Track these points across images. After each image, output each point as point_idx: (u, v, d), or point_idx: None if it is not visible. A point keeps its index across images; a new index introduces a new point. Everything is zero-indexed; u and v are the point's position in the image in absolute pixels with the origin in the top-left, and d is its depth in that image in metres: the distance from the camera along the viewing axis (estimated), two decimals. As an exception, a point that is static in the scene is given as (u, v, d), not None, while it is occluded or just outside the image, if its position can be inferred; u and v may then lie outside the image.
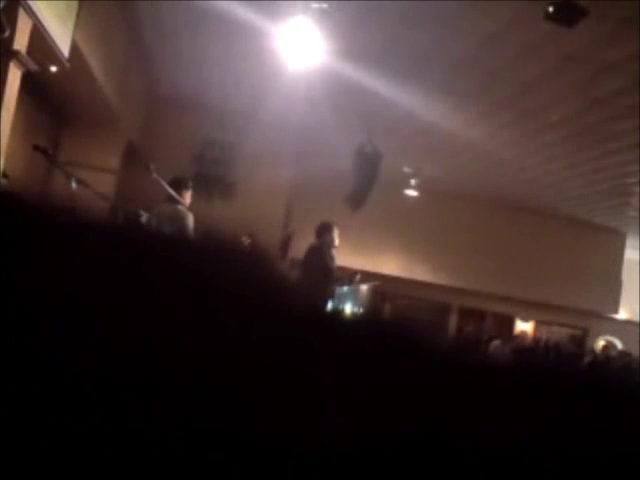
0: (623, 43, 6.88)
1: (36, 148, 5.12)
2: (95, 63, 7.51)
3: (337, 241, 6.51)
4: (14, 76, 5.33)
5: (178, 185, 5.83)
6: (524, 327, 16.28)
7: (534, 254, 15.13)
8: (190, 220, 5.67)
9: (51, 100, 8.57)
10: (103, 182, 7.91)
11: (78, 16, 6.33)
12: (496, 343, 10.07)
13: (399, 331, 0.55)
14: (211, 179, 11.66)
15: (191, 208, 6.08)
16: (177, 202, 5.74)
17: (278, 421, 0.46)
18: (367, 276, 13.09)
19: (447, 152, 11.91)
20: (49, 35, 5.68)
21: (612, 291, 15.68)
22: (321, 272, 6.12)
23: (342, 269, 12.25)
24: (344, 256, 12.96)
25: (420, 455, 0.47)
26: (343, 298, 10.81)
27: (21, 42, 5.23)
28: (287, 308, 0.52)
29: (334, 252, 6.55)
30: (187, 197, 5.92)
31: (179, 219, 5.61)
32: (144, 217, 5.52)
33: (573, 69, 7.75)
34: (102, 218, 0.60)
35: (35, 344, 0.45)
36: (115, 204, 7.11)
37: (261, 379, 0.47)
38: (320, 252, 6.31)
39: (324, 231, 6.49)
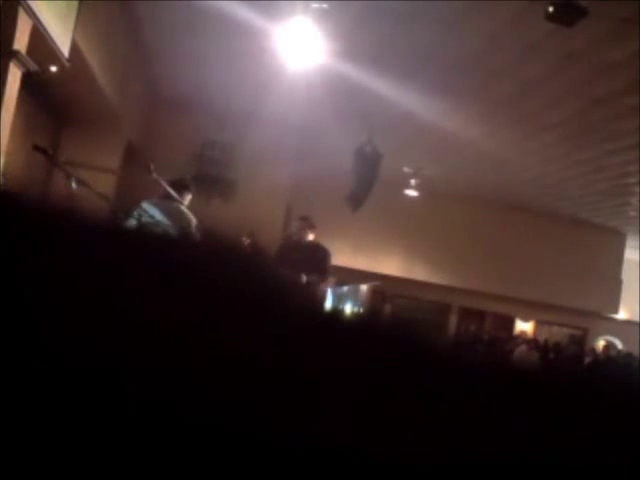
0: (623, 43, 6.88)
1: (36, 148, 5.11)
2: (95, 63, 7.51)
3: (309, 236, 6.40)
4: (14, 76, 5.33)
5: (179, 187, 5.66)
6: (524, 327, 16.29)
7: (534, 254, 15.14)
8: (194, 221, 5.53)
9: (51, 100, 8.57)
10: (103, 182, 7.90)
11: (78, 16, 6.33)
12: (522, 348, 9.96)
13: (399, 331, 0.55)
14: (211, 179, 11.66)
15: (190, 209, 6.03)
16: (177, 200, 5.56)
17: (276, 421, 0.46)
18: (367, 276, 13.13)
19: (447, 152, 11.91)
20: (49, 35, 5.67)
21: (612, 291, 15.68)
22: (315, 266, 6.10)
23: (342, 269, 12.24)
24: (344, 256, 13.03)
25: (420, 456, 0.47)
26: (343, 298, 10.83)
27: (21, 42, 5.22)
28: (287, 308, 0.52)
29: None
30: (186, 200, 5.76)
31: (185, 220, 5.45)
32: (136, 213, 5.14)
33: (573, 69, 7.75)
34: (102, 218, 0.60)
35: (35, 344, 0.45)
36: (116, 205, 7.03)
37: (260, 379, 0.47)
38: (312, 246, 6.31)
39: (310, 226, 6.47)
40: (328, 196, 12.09)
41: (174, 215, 5.36)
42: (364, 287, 11.82)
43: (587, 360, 12.81)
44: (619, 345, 16.36)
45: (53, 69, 6.59)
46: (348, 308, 10.36)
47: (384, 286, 13.50)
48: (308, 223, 6.42)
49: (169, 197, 5.51)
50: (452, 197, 14.74)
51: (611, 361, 11.75)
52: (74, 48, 6.42)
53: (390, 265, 14.80)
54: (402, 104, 9.38)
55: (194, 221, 5.50)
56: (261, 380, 0.47)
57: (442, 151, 11.89)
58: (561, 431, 0.50)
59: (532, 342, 11.96)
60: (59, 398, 0.44)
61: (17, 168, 6.83)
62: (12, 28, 5.04)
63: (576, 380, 0.57)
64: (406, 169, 13.09)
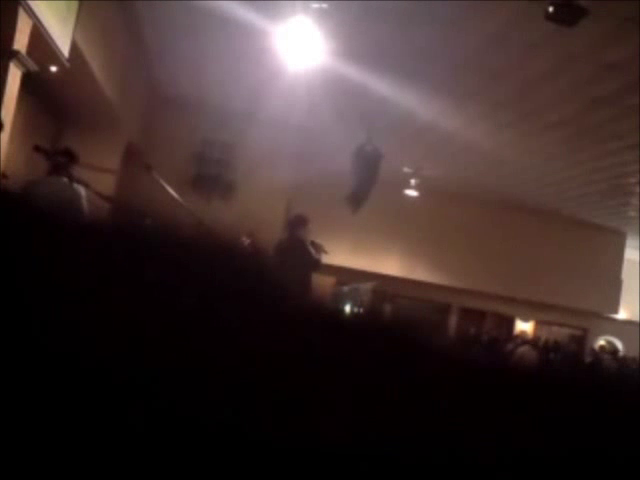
0: (623, 43, 6.88)
1: (36, 148, 5.10)
2: (95, 63, 7.51)
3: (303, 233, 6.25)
4: (14, 76, 5.33)
5: (64, 157, 4.87)
6: (524, 327, 16.29)
7: (534, 254, 15.14)
8: (83, 198, 4.81)
9: (51, 100, 8.57)
10: (103, 182, 7.90)
11: (78, 16, 6.33)
12: (524, 349, 9.88)
13: (399, 331, 0.55)
14: (211, 179, 11.66)
15: (191, 209, 5.99)
16: (66, 174, 4.78)
17: (276, 420, 0.46)
18: (367, 276, 13.14)
19: (447, 152, 11.92)
20: (49, 35, 5.67)
21: (612, 291, 15.69)
22: (308, 265, 5.97)
23: (342, 269, 12.22)
24: (344, 256, 13.04)
25: (420, 456, 0.47)
26: (343, 298, 10.81)
27: (21, 42, 5.22)
28: (287, 308, 0.52)
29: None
30: (75, 170, 4.94)
31: (69, 193, 4.70)
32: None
33: (573, 69, 7.75)
34: (102, 218, 0.60)
35: (35, 344, 0.45)
36: (118, 205, 6.86)
37: (260, 379, 0.47)
38: (304, 245, 6.14)
39: (302, 224, 6.27)
40: (328, 196, 12.09)
41: (57, 191, 4.73)
42: (364, 287, 11.82)
43: (588, 360, 12.82)
44: (619, 345, 16.37)
45: (53, 69, 6.59)
46: (348, 308, 10.35)
47: (384, 286, 13.50)
48: (301, 220, 6.33)
49: (56, 172, 4.88)
50: (452, 197, 14.74)
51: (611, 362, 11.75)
52: (74, 48, 6.42)
53: (390, 265, 14.80)
54: (402, 104, 9.38)
55: (83, 193, 4.90)
56: (260, 379, 0.47)
57: (442, 151, 11.89)
58: (560, 430, 0.50)
59: (532, 342, 11.97)
60: (59, 399, 0.44)
61: (17, 168, 6.82)
62: (12, 28, 5.04)
63: (574, 380, 0.57)
64: (406, 169, 13.09)
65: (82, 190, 4.85)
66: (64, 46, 6.13)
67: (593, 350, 14.21)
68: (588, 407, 0.52)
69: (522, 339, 12.46)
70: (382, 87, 8.89)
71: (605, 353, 13.07)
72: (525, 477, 0.48)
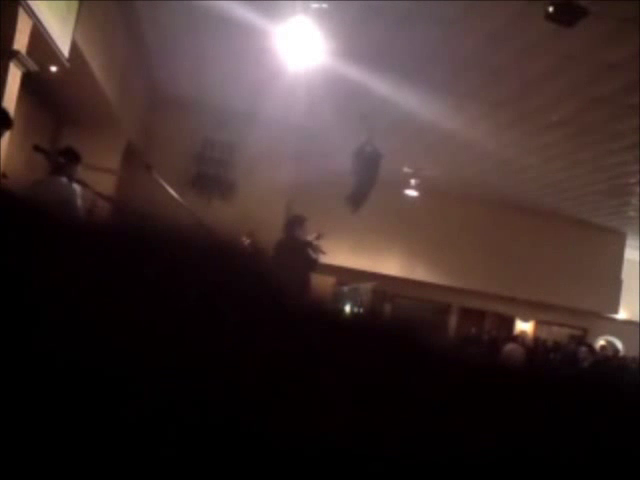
0: (623, 43, 6.88)
1: (36, 148, 5.10)
2: (95, 63, 7.51)
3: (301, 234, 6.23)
4: (14, 76, 5.33)
5: (66, 157, 4.86)
6: (524, 327, 16.28)
7: (534, 254, 15.13)
8: (79, 198, 4.78)
9: (51, 100, 8.57)
10: (103, 182, 7.90)
11: (78, 16, 6.33)
12: (510, 347, 9.85)
13: (399, 331, 0.55)
14: (211, 179, 11.66)
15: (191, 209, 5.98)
16: (67, 174, 4.79)
17: (277, 420, 0.46)
18: (367, 276, 13.14)
19: (447, 152, 11.91)
20: (49, 35, 5.67)
21: (612, 291, 15.68)
22: (306, 265, 5.94)
23: (342, 269, 12.21)
24: (344, 256, 13.04)
25: (421, 455, 0.47)
26: (343, 298, 10.81)
27: (21, 42, 5.22)
28: (286, 308, 0.52)
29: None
30: (76, 171, 4.94)
31: (64, 193, 4.68)
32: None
33: (573, 69, 7.75)
34: (100, 218, 0.60)
35: (34, 343, 0.45)
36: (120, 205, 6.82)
37: (260, 378, 0.47)
38: (304, 245, 6.12)
39: (299, 225, 6.24)
40: (328, 196, 12.08)
41: (53, 190, 4.69)
42: (364, 287, 11.81)
43: (588, 359, 12.79)
44: (619, 345, 16.37)
45: (53, 69, 6.59)
46: (348, 308, 10.34)
47: (384, 286, 13.50)
48: (298, 220, 6.32)
49: (56, 171, 4.88)
50: (452, 197, 14.74)
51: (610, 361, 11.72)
52: (74, 48, 6.42)
53: (390, 265, 14.80)
54: (402, 104, 9.38)
55: (78, 191, 4.86)
56: (260, 379, 0.47)
57: (442, 151, 11.89)
58: (560, 430, 0.50)
59: (519, 340, 11.95)
60: (60, 398, 0.44)
61: (17, 168, 6.82)
62: (12, 28, 5.03)
63: (576, 380, 0.57)
64: (406, 169, 13.09)
65: (78, 188, 4.83)
66: (64, 46, 6.13)
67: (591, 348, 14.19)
68: (586, 407, 0.52)
69: (510, 337, 12.46)
70: (382, 87, 8.89)
71: (582, 345, 13.10)
72: (525, 477, 0.48)
